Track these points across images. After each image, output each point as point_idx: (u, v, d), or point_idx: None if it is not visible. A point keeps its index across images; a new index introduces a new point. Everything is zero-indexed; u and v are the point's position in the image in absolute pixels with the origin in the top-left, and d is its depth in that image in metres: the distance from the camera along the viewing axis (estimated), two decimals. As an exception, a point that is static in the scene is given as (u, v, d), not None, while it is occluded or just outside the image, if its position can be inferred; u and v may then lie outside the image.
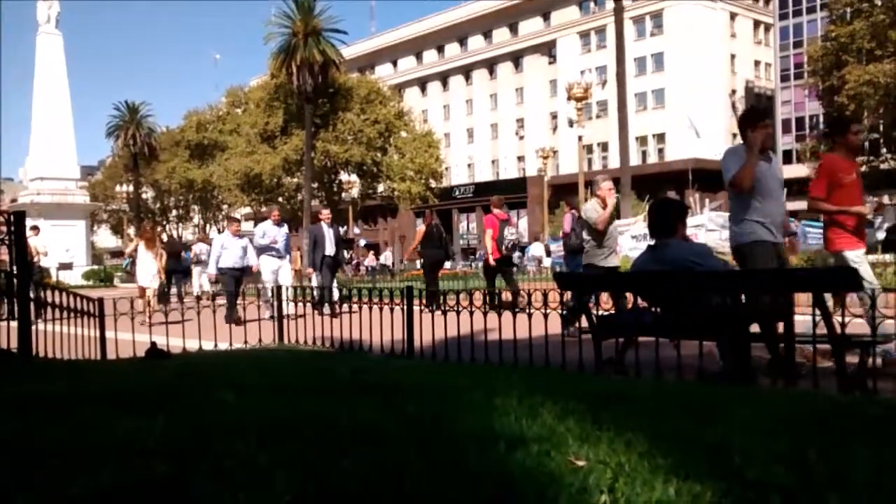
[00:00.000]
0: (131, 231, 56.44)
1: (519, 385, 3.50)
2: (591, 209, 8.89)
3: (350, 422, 2.81)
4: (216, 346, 7.54)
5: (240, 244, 13.01)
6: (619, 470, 2.12)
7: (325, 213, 14.41)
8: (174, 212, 74.51)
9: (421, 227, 14.89)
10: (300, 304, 8.44)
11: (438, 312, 6.26)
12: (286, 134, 47.84)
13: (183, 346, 7.39)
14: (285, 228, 13.76)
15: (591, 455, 2.28)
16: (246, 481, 2.04)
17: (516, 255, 16.31)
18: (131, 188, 60.64)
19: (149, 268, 14.17)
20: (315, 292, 9.52)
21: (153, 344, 6.72)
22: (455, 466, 2.15)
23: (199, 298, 9.52)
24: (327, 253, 13.61)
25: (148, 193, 71.45)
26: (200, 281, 18.61)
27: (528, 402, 3.09)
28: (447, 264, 18.62)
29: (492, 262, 11.36)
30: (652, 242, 5.44)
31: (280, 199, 51.23)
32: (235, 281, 12.73)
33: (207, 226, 75.78)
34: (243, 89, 60.14)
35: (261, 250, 13.21)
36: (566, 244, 11.01)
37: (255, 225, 63.48)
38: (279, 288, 8.61)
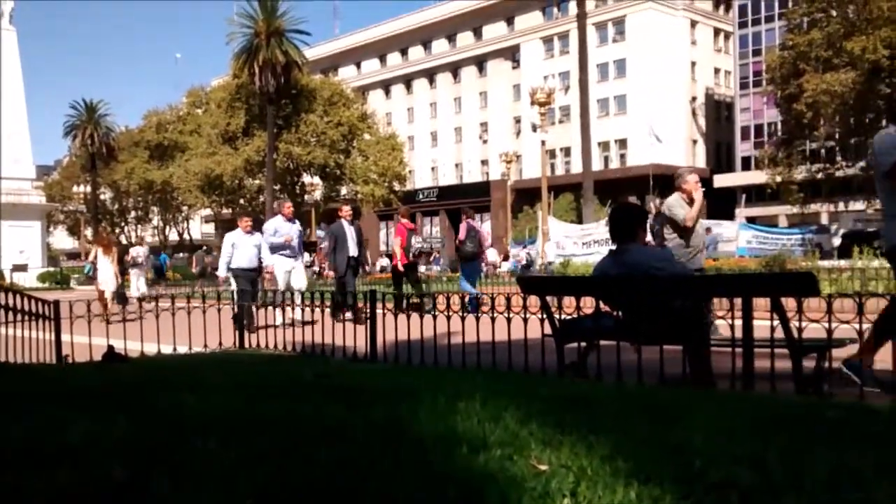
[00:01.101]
0: (88, 232, 55.43)
1: (482, 389, 3.50)
2: (677, 205, 8.11)
3: (316, 422, 2.79)
4: (175, 349, 7.44)
5: (252, 242, 11.75)
6: (581, 474, 2.13)
7: (346, 210, 12.91)
8: (133, 213, 73.36)
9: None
10: (304, 311, 7.77)
11: (402, 315, 6.24)
12: (248, 135, 47.47)
13: (141, 350, 7.27)
14: (298, 225, 12.58)
15: (553, 459, 2.28)
16: (207, 480, 2.01)
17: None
18: (89, 189, 59.56)
19: (106, 271, 14.98)
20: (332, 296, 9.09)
21: (110, 347, 6.61)
22: (420, 468, 2.15)
23: (140, 301, 9.16)
24: (351, 253, 12.29)
25: (106, 194, 70.30)
26: (138, 283, 18.92)
27: (492, 405, 3.09)
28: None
29: (400, 267, 12.20)
30: (614, 247, 5.48)
31: (241, 201, 50.82)
32: (251, 283, 11.50)
33: (167, 227, 74.82)
34: (204, 89, 59.53)
35: (273, 249, 11.92)
36: (459, 251, 12.94)
37: (217, 228, 62.64)
38: (295, 292, 8.06)
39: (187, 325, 7.33)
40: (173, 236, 76.08)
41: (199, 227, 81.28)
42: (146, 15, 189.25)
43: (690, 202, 8.08)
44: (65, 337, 7.18)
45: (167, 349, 7.44)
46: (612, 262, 5.31)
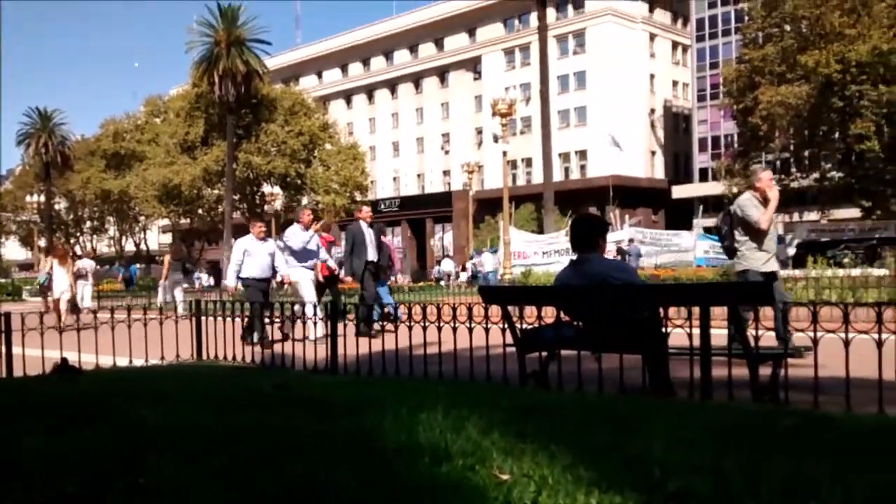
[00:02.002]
0: (42, 243, 54.30)
1: (444, 399, 3.50)
2: (750, 205, 7.61)
3: (278, 435, 2.75)
4: (131, 361, 7.30)
5: (266, 249, 10.91)
6: (542, 483, 2.13)
7: (366, 211, 12.04)
8: (88, 223, 72.02)
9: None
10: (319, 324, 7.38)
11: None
12: (207, 144, 47.00)
13: (96, 362, 7.12)
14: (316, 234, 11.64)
15: (515, 468, 2.29)
16: (165, 498, 1.97)
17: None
18: (42, 198, 58.36)
19: (61, 281, 15.26)
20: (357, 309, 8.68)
21: (63, 360, 6.46)
22: (383, 480, 2.13)
23: (94, 312, 8.91)
24: (369, 258, 11.48)
25: (61, 204, 68.94)
26: (82, 294, 18.80)
27: (454, 416, 3.08)
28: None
29: (320, 278, 12.40)
30: (574, 257, 5.52)
31: (200, 211, 50.24)
32: (263, 294, 10.86)
33: (123, 238, 73.60)
34: (163, 98, 58.81)
35: (292, 260, 11.07)
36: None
37: (172, 238, 61.80)
38: (331, 305, 7.45)
39: (143, 336, 7.20)
40: (130, 247, 74.84)
41: (156, 238, 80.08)
42: (103, 22, 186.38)
43: (765, 202, 7.61)
44: (16, 350, 7.00)
45: (123, 361, 7.30)
46: (573, 272, 5.35)
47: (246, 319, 9.12)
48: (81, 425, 2.96)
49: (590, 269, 5.14)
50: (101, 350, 7.10)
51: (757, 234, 7.56)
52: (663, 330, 4.67)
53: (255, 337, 8.80)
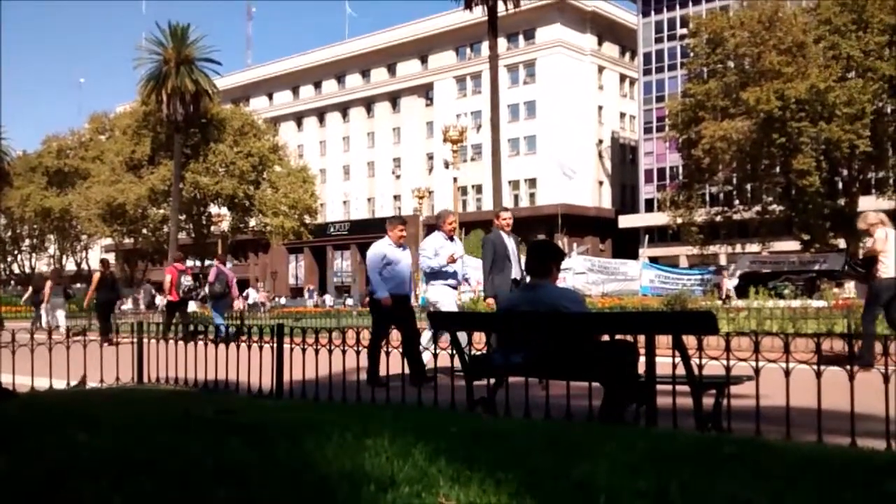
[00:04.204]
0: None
1: (391, 425, 3.46)
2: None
3: (214, 462, 2.68)
4: (69, 384, 7.08)
5: (407, 259, 8.69)
6: (489, 510, 2.12)
7: (505, 216, 9.65)
8: (27, 241, 70.02)
9: (97, 276, 16.87)
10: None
11: (310, 350, 6.12)
12: (154, 163, 46.33)
13: (31, 385, 6.89)
14: (461, 244, 9.54)
15: (461, 496, 2.27)
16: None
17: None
18: (-21, 215, 56.68)
19: None
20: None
21: (-4, 382, 6.23)
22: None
23: (31, 333, 8.52)
24: (514, 275, 9.06)
25: (-1, 221, 67.00)
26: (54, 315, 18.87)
27: (400, 441, 3.05)
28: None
29: (171, 298, 13.59)
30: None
31: (144, 231, 49.34)
32: (403, 314, 8.46)
33: (64, 257, 71.71)
34: (108, 115, 57.79)
35: (431, 275, 8.90)
36: (209, 291, 14.99)
37: (117, 258, 60.43)
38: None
39: (82, 358, 7.00)
40: (70, 266, 72.93)
41: (98, 257, 78.25)
42: (47, 35, 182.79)
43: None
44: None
45: (60, 384, 7.07)
46: (524, 297, 5.35)
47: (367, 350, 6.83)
48: (6, 450, 2.85)
49: (541, 297, 5.16)
50: (38, 372, 6.88)
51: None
52: (625, 358, 4.70)
53: (418, 376, 6.54)
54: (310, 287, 63.51)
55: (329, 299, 53.14)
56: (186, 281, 15.28)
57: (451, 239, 9.14)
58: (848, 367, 4.15)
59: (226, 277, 14.90)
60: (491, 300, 8.95)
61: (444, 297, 8.86)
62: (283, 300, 55.83)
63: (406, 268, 8.62)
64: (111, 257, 64.47)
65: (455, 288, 9.19)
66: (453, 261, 8.85)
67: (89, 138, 58.75)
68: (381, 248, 8.49)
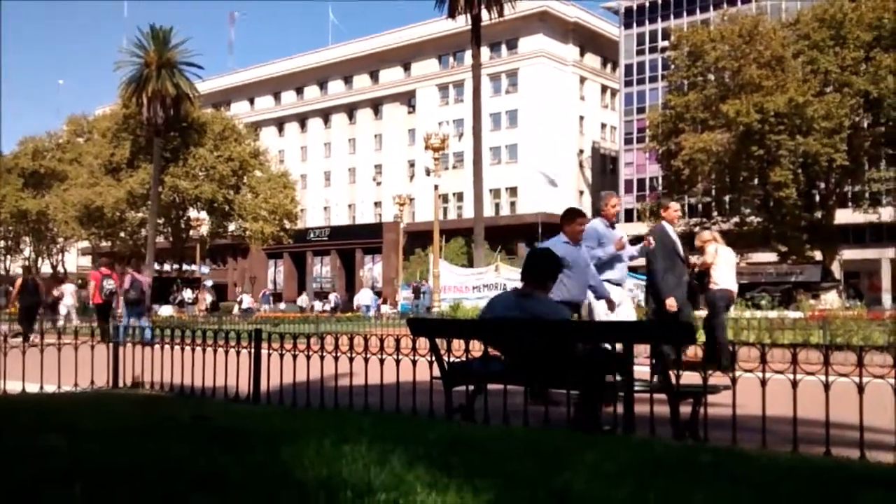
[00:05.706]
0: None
1: (369, 431, 3.44)
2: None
3: (192, 468, 2.65)
4: (42, 388, 6.99)
5: (584, 258, 7.37)
6: (467, 518, 2.11)
7: (674, 208, 9.16)
8: (2, 243, 69.16)
9: (19, 281, 18.06)
10: None
11: (288, 356, 6.07)
12: (133, 167, 45.97)
13: (3, 389, 6.79)
14: (624, 232, 8.60)
15: (439, 503, 2.25)
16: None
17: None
18: (-48, 216, 55.90)
19: None
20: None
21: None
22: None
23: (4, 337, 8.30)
24: (684, 276, 8.66)
25: (-28, 222, 66.11)
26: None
27: (378, 448, 3.03)
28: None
29: (97, 302, 15.07)
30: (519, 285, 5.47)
31: (122, 234, 48.92)
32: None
33: (39, 259, 70.91)
34: (87, 118, 57.27)
35: (599, 269, 7.65)
36: (125, 297, 15.67)
37: (94, 261, 59.76)
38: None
39: (57, 362, 6.91)
40: (46, 268, 72.13)
41: (74, 260, 77.39)
42: (26, 36, 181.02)
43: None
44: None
45: (34, 387, 6.97)
46: (513, 303, 5.30)
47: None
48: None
49: (532, 307, 5.12)
50: (10, 375, 6.79)
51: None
52: (603, 366, 4.70)
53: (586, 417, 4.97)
54: (265, 292, 59.87)
55: (304, 300, 52.68)
56: (108, 285, 16.30)
57: (613, 226, 8.11)
58: (823, 376, 4.19)
59: (140, 284, 15.63)
60: (672, 302, 8.31)
61: (621, 302, 7.73)
62: (266, 307, 55.48)
63: (584, 270, 7.25)
64: (87, 261, 63.79)
65: (621, 283, 8.03)
66: (622, 246, 7.82)
67: (67, 140, 58.19)
68: (559, 248, 6.70)
